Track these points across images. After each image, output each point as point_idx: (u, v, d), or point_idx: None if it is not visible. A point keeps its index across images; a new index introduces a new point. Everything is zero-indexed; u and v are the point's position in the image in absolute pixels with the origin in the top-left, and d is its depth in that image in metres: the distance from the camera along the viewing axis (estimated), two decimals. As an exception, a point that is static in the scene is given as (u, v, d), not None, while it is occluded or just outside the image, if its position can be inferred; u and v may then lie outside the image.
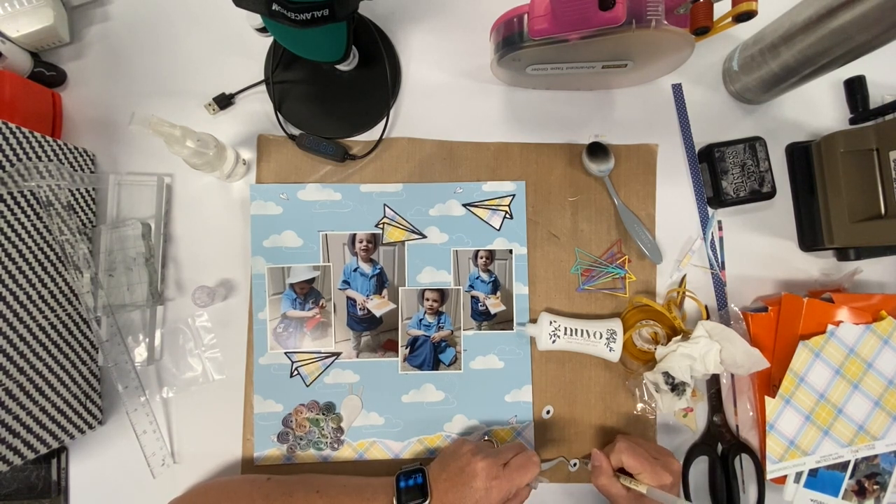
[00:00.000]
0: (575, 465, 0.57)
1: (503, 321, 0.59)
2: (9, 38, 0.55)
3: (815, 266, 0.61)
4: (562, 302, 0.60)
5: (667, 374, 0.55)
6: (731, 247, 0.61)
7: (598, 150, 0.59)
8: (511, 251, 0.59)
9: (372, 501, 0.48)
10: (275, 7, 0.42)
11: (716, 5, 0.45)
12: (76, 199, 0.56)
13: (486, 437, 0.57)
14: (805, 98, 0.61)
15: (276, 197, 0.59)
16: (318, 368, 0.58)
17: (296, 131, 0.60)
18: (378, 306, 0.59)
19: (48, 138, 0.53)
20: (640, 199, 0.60)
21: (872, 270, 0.61)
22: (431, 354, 0.59)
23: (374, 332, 0.59)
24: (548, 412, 0.58)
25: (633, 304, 0.59)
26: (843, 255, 0.60)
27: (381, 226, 0.59)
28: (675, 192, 0.61)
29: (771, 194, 0.58)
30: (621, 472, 0.52)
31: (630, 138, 0.61)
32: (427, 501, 0.47)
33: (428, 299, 0.59)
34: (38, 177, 0.50)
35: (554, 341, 0.56)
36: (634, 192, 0.60)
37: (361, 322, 0.59)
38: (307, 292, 0.58)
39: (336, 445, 0.57)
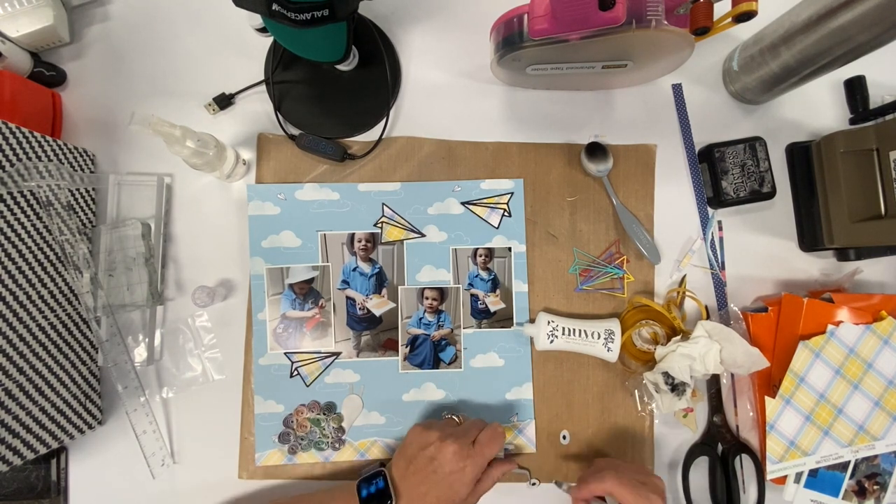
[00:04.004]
0: (534, 483, 0.55)
1: (503, 319, 0.59)
2: (9, 38, 0.55)
3: (815, 266, 0.61)
4: (560, 302, 0.60)
5: (666, 375, 0.55)
6: (731, 247, 0.61)
7: (596, 150, 0.59)
8: (510, 249, 0.59)
9: None
10: (275, 7, 0.42)
11: (716, 5, 0.45)
12: (76, 199, 0.56)
13: (447, 415, 0.57)
14: (805, 98, 0.61)
15: (273, 197, 0.59)
16: (319, 368, 0.58)
17: (296, 131, 0.60)
18: (377, 305, 0.59)
19: (48, 138, 0.53)
20: (639, 200, 0.60)
21: (872, 270, 0.61)
22: (431, 353, 0.59)
23: (374, 332, 0.59)
24: (564, 437, 0.58)
25: (633, 304, 0.59)
26: (843, 255, 0.60)
27: (379, 225, 0.59)
28: (675, 193, 0.61)
29: (771, 194, 0.58)
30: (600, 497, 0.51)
31: (630, 138, 0.61)
32: (393, 502, 0.47)
33: (427, 298, 0.59)
34: (38, 177, 0.50)
35: (552, 341, 0.56)
36: (633, 192, 0.60)
37: (361, 321, 0.59)
38: (306, 292, 0.59)
39: (337, 445, 0.57)
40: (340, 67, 0.59)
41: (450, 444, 0.48)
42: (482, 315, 0.59)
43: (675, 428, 0.59)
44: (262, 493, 0.58)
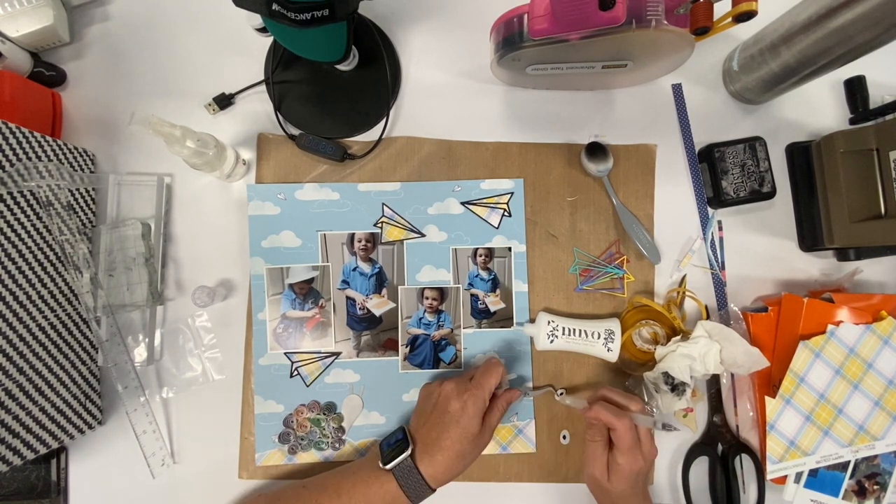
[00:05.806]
0: (562, 393, 0.57)
1: (503, 319, 0.59)
2: (9, 38, 0.55)
3: (815, 266, 0.61)
4: (560, 302, 0.60)
5: (666, 375, 0.55)
6: (731, 247, 0.61)
7: (596, 150, 0.59)
8: (510, 249, 0.59)
9: (358, 472, 0.51)
10: (275, 7, 0.42)
11: (716, 5, 0.45)
12: (76, 199, 0.56)
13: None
14: (805, 98, 0.61)
15: (273, 197, 0.59)
16: (318, 368, 0.58)
17: (296, 131, 0.60)
18: (377, 305, 0.59)
19: (48, 138, 0.53)
20: (639, 200, 0.60)
21: (872, 270, 0.61)
22: (432, 353, 0.59)
23: (374, 332, 0.59)
24: (564, 437, 0.58)
25: (633, 304, 0.59)
26: (843, 255, 0.60)
27: (379, 225, 0.59)
28: (675, 193, 0.61)
29: (771, 194, 0.58)
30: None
31: (630, 138, 0.61)
32: (410, 448, 0.49)
33: (427, 298, 0.59)
34: (38, 177, 0.50)
35: (552, 341, 0.56)
36: (633, 192, 0.60)
37: (361, 321, 0.59)
38: (306, 292, 0.59)
39: (338, 445, 0.57)
40: (340, 67, 0.59)
41: (448, 384, 0.52)
42: (482, 315, 0.59)
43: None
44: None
